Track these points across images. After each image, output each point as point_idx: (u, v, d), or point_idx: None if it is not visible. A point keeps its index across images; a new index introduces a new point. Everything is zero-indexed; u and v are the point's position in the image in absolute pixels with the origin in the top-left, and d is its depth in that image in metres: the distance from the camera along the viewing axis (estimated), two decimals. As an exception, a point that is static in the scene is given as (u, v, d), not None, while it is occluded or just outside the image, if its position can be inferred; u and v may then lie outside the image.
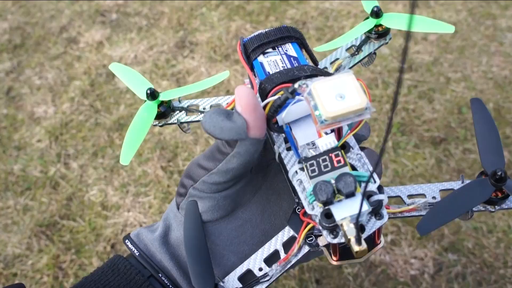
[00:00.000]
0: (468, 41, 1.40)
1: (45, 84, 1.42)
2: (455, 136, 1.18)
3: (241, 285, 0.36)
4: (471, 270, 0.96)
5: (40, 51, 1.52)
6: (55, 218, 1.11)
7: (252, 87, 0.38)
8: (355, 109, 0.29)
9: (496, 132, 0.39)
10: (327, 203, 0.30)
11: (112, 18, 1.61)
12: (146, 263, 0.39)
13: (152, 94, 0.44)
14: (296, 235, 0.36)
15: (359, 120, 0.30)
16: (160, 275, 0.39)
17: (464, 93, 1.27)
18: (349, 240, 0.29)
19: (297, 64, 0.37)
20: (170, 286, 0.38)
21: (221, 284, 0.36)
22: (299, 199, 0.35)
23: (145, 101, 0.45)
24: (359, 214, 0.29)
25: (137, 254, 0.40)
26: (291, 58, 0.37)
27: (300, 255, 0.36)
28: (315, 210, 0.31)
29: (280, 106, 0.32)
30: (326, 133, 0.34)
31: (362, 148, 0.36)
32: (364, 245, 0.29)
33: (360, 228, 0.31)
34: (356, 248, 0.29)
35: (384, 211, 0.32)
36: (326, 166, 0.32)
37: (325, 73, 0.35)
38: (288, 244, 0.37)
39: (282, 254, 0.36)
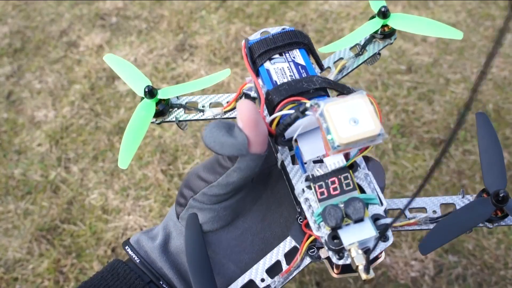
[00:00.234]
0: (467, 42, 1.40)
1: (45, 88, 1.42)
2: (455, 137, 1.18)
3: None
4: (472, 271, 0.96)
5: (40, 55, 1.53)
6: (55, 222, 1.11)
7: (258, 95, 0.37)
8: (369, 135, 0.28)
9: (499, 150, 0.40)
10: (335, 228, 0.30)
11: (112, 21, 1.61)
12: (147, 270, 0.39)
13: (150, 92, 0.42)
14: (298, 246, 0.36)
15: (371, 145, 0.29)
16: (161, 282, 0.39)
17: (464, 94, 1.27)
18: (357, 267, 0.29)
19: (305, 74, 0.36)
20: None
21: None
22: (301, 209, 0.35)
23: (142, 98, 0.43)
24: (370, 252, 0.29)
25: (137, 261, 0.40)
26: (299, 67, 0.36)
27: (301, 267, 0.36)
28: (322, 231, 0.31)
29: (290, 124, 0.31)
30: None
31: (366, 159, 0.36)
32: (372, 274, 0.29)
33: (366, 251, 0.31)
34: (364, 276, 0.29)
35: (390, 233, 0.32)
36: (335, 189, 0.31)
37: (333, 84, 0.34)
38: (290, 255, 0.36)
39: (284, 265, 0.36)
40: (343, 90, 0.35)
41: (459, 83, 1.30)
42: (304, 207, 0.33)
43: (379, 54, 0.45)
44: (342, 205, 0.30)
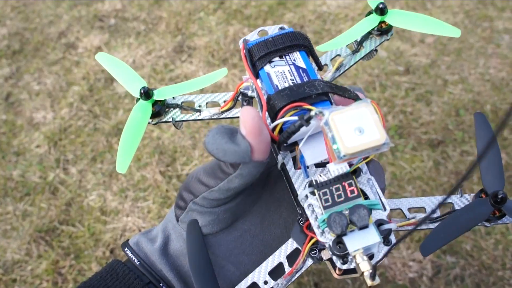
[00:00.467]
0: (465, 43, 1.40)
1: (44, 90, 1.42)
2: (453, 138, 1.18)
3: None
4: (470, 272, 0.96)
5: (38, 56, 1.53)
6: (54, 223, 1.11)
7: (259, 99, 0.36)
8: (374, 144, 0.28)
9: (498, 151, 0.40)
10: (340, 235, 0.30)
11: (110, 23, 1.61)
12: (147, 272, 0.39)
13: (146, 93, 0.41)
14: (300, 248, 0.36)
15: (376, 153, 0.29)
16: (161, 284, 0.39)
17: (462, 95, 1.27)
18: (362, 273, 0.30)
19: (306, 78, 0.35)
20: None
21: None
22: (302, 211, 0.35)
23: (138, 99, 0.42)
24: (376, 264, 0.29)
25: (137, 263, 0.40)
26: (300, 70, 0.36)
27: (304, 269, 0.36)
28: (326, 237, 0.32)
29: (294, 132, 0.31)
30: None
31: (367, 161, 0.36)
32: (377, 280, 0.29)
33: (370, 257, 0.31)
34: (370, 283, 0.29)
35: (392, 237, 0.33)
36: (339, 196, 0.32)
37: (335, 88, 0.34)
38: (292, 257, 0.36)
39: (286, 267, 0.36)
40: (344, 94, 0.35)
41: (457, 84, 1.30)
42: (308, 212, 0.33)
43: (375, 50, 0.44)
44: (346, 212, 0.31)
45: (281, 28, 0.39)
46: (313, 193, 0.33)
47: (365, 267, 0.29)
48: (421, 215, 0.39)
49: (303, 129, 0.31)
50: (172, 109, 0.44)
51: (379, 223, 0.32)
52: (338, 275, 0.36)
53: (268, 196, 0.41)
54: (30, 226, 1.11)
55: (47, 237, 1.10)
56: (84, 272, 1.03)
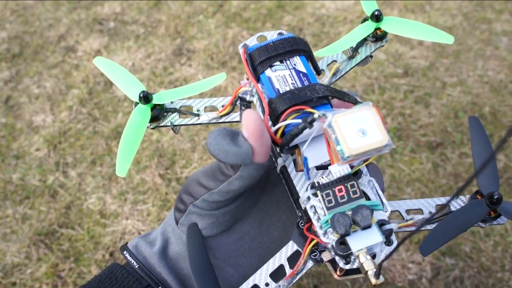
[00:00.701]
0: (463, 46, 1.41)
1: (44, 93, 1.42)
2: (452, 140, 1.18)
3: None
4: (469, 274, 0.96)
5: (38, 60, 1.53)
6: (53, 226, 1.12)
7: (260, 103, 0.37)
8: (377, 146, 0.29)
9: (492, 153, 0.41)
10: (344, 235, 0.31)
11: (109, 26, 1.62)
12: (146, 275, 0.39)
13: (145, 98, 0.41)
14: (300, 250, 0.36)
15: (378, 154, 0.30)
16: (160, 287, 0.39)
17: (460, 98, 1.28)
18: (366, 272, 0.30)
19: (307, 82, 0.36)
20: None
21: None
22: (302, 214, 0.35)
23: (137, 103, 0.42)
24: (381, 263, 0.30)
25: (136, 266, 0.40)
26: (301, 74, 0.36)
27: (305, 271, 0.36)
28: (329, 237, 0.32)
29: (297, 135, 0.32)
30: None
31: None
32: (382, 279, 0.30)
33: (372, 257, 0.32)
34: (374, 281, 0.30)
35: (394, 237, 0.33)
36: (342, 197, 0.32)
37: (335, 92, 0.34)
38: (292, 259, 0.37)
39: (287, 269, 0.36)
40: (344, 98, 0.35)
41: (456, 86, 1.31)
42: (310, 213, 0.33)
43: (371, 56, 0.45)
44: (349, 212, 0.31)
45: (280, 33, 0.40)
46: (315, 195, 0.33)
47: (369, 266, 0.30)
48: (418, 217, 0.40)
49: (306, 131, 0.32)
50: (170, 113, 0.44)
51: (380, 223, 0.33)
52: (339, 276, 0.36)
53: (267, 199, 0.41)
54: (29, 229, 1.11)
55: (46, 240, 1.10)
56: (84, 275, 1.03)
